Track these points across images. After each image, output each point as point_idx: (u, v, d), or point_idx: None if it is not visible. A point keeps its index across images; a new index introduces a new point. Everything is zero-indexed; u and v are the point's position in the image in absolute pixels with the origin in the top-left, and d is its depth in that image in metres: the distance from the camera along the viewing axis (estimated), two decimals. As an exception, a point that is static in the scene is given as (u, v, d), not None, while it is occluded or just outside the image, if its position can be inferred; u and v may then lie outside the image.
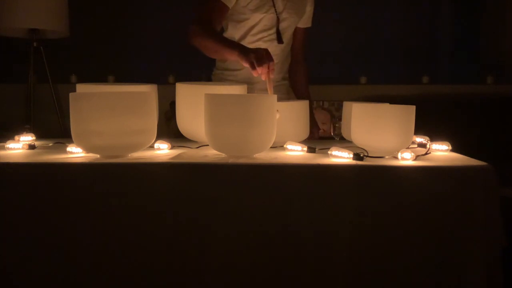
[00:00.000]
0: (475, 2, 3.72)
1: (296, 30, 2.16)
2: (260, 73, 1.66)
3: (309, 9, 2.14)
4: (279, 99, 1.84)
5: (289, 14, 2.03)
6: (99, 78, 3.18)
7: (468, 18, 3.75)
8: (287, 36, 2.06)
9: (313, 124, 2.20)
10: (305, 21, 2.16)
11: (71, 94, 1.28)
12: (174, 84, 1.64)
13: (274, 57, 2.03)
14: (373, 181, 1.21)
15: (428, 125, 1.56)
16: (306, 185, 1.20)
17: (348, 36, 3.60)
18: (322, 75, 3.53)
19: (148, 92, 1.39)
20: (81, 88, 1.53)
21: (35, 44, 2.96)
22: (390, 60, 3.62)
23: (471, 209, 1.19)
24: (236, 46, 1.76)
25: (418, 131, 1.45)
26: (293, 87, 2.27)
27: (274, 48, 2.03)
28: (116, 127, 1.25)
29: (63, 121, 3.07)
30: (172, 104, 1.74)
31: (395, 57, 3.63)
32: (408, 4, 3.66)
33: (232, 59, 1.82)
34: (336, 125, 1.86)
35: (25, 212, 1.20)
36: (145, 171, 1.23)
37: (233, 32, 2.05)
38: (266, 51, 1.67)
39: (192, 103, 1.55)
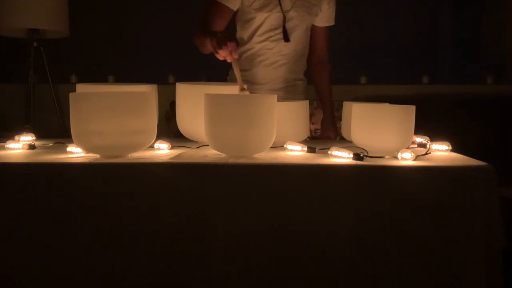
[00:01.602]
0: (475, 2, 3.72)
1: (316, 29, 2.13)
2: (224, 56, 1.65)
3: (326, 7, 2.09)
4: (291, 99, 1.84)
5: (298, 12, 2.01)
6: (99, 78, 3.18)
7: (468, 18, 3.75)
8: (297, 35, 2.04)
9: (331, 126, 2.17)
10: (325, 20, 2.12)
11: (71, 94, 1.28)
12: (174, 84, 1.64)
13: (283, 57, 2.04)
14: (373, 181, 1.21)
15: (428, 125, 1.56)
16: (306, 185, 1.20)
17: (348, 36, 3.59)
18: (322, 75, 3.53)
19: (148, 92, 1.39)
20: (81, 88, 1.53)
21: (35, 44, 2.95)
22: (390, 60, 3.62)
23: (471, 209, 1.19)
24: (209, 34, 1.75)
25: (418, 131, 1.45)
26: (316, 88, 2.24)
27: (282, 48, 2.02)
28: (116, 127, 1.25)
29: (63, 121, 3.07)
30: (172, 104, 1.74)
31: (395, 57, 3.63)
32: (408, 4, 3.66)
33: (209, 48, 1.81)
34: (336, 125, 1.86)
35: (25, 212, 1.20)
36: (145, 171, 1.23)
37: (241, 33, 2.06)
38: (225, 33, 1.66)
39: (192, 103, 1.55)
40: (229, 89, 1.67)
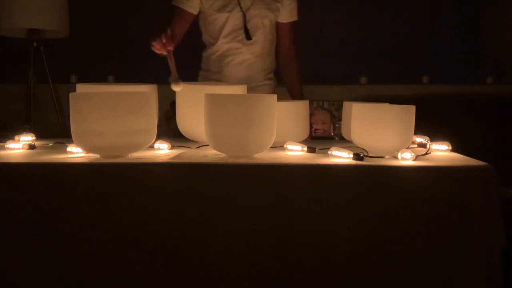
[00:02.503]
0: (475, 2, 3.72)
1: (280, 25, 2.13)
2: (159, 49, 1.66)
3: (288, 3, 2.10)
4: None
5: (258, 10, 2.02)
6: (99, 78, 3.17)
7: (468, 18, 3.75)
8: (261, 33, 2.05)
9: None
10: (287, 15, 2.13)
11: (71, 94, 1.28)
12: (174, 84, 1.64)
13: (251, 55, 2.05)
14: (373, 181, 1.21)
15: (428, 125, 1.56)
16: (306, 185, 1.20)
17: (348, 36, 3.59)
18: (322, 75, 3.52)
19: (148, 92, 1.40)
20: (81, 88, 1.53)
21: (35, 44, 2.95)
22: (390, 60, 3.61)
23: (471, 209, 1.19)
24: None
25: (418, 131, 1.45)
26: (287, 85, 2.25)
27: (249, 47, 2.03)
28: (116, 127, 1.25)
29: (63, 121, 3.06)
30: (172, 104, 1.74)
31: (395, 57, 3.62)
32: (408, 4, 3.65)
33: None
34: (336, 125, 1.86)
35: (25, 212, 1.20)
36: (145, 171, 1.23)
37: (207, 36, 2.08)
38: (161, 28, 1.66)
39: (192, 103, 1.55)
40: (229, 89, 1.67)
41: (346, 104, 1.70)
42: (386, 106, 1.47)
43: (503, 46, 3.63)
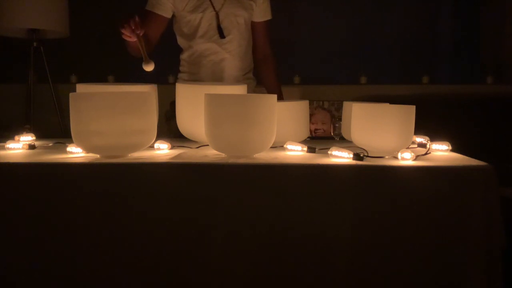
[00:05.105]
0: (475, 2, 3.72)
1: (254, 24, 2.14)
2: (130, 34, 1.69)
3: (261, 1, 2.11)
4: None
5: (232, 8, 2.03)
6: (99, 78, 3.17)
7: (468, 18, 3.75)
8: (237, 31, 2.06)
9: None
10: (262, 14, 2.14)
11: (71, 94, 1.28)
12: (174, 84, 1.64)
13: (228, 54, 2.05)
14: (373, 181, 1.20)
15: (428, 125, 1.56)
16: (306, 185, 1.20)
17: (348, 36, 3.59)
18: (322, 75, 3.52)
19: (148, 92, 1.39)
20: (81, 88, 1.53)
21: (35, 44, 2.96)
22: (390, 60, 3.62)
23: (471, 209, 1.19)
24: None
25: (418, 131, 1.45)
26: (263, 84, 2.25)
27: (225, 45, 2.04)
28: (116, 127, 1.25)
29: (63, 121, 3.06)
30: (172, 104, 1.74)
31: (395, 57, 3.62)
32: (408, 4, 3.66)
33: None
34: (336, 125, 1.86)
35: (25, 212, 1.20)
36: (145, 171, 1.23)
37: (183, 38, 2.08)
38: (126, 16, 1.69)
39: (192, 103, 1.55)
40: (229, 89, 1.67)
41: (346, 104, 1.70)
42: (386, 106, 1.47)
43: (503, 46, 3.63)
